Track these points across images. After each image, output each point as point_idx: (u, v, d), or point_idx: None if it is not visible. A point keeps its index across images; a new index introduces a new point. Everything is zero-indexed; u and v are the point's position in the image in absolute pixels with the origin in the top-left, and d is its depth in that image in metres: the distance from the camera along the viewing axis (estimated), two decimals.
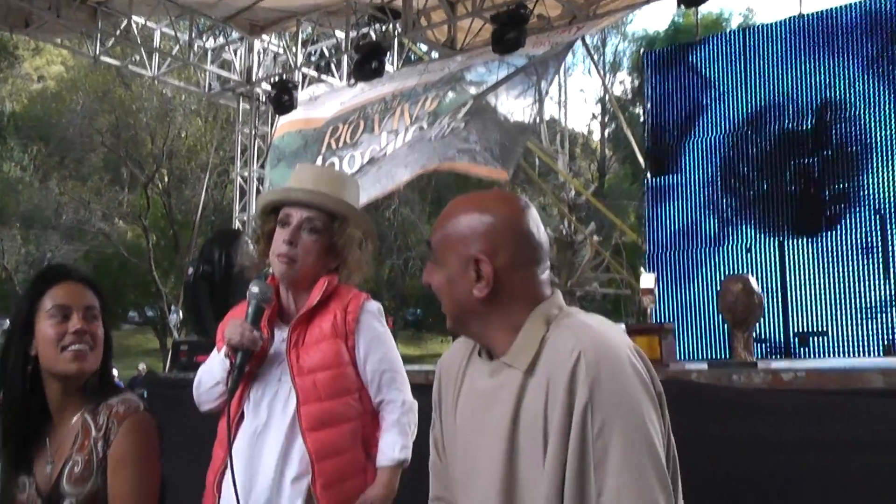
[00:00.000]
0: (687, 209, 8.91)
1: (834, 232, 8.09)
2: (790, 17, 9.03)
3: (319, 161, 10.97)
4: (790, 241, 8.20)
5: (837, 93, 8.50)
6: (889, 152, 8.23)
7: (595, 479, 1.38)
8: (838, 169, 8.35)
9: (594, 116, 34.84)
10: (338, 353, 2.34)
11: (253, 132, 12.74)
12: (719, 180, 8.86)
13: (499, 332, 1.57)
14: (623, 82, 32.99)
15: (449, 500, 1.77)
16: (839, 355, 7.51)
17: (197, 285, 6.09)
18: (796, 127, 8.59)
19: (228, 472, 2.23)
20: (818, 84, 8.59)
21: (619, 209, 27.82)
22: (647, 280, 3.81)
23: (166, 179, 30.49)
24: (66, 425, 1.97)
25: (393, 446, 2.34)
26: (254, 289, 2.33)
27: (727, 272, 8.16)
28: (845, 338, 7.64)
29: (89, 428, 1.94)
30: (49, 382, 1.96)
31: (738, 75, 8.96)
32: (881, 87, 8.45)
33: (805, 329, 7.65)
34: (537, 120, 13.19)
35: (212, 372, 2.40)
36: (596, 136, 35.38)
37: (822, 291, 7.86)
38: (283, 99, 11.25)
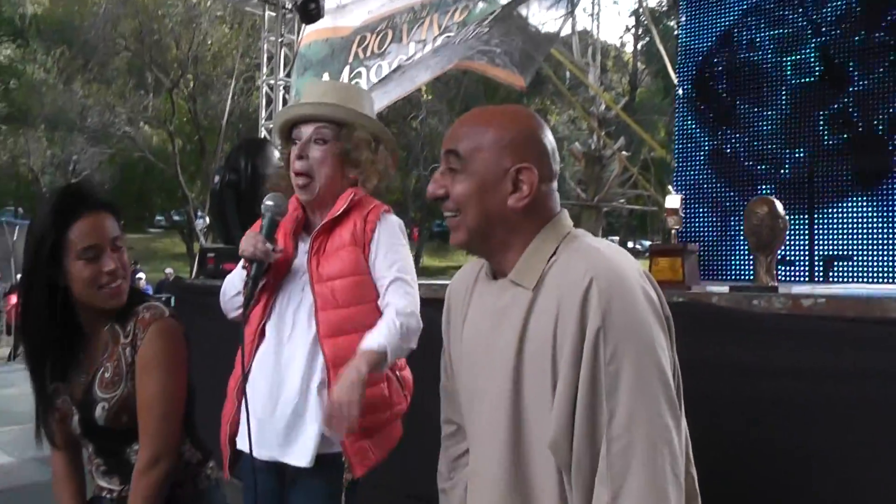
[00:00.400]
0: (717, 129, 8.66)
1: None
2: None
3: (346, 71, 10.87)
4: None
5: None
6: None
7: (607, 404, 1.40)
8: None
9: (628, 29, 34.15)
10: (356, 261, 2.35)
11: (279, 40, 12.55)
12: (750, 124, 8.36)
13: (515, 248, 1.57)
14: None
15: (459, 423, 1.80)
16: (864, 281, 7.37)
17: (223, 193, 6.10)
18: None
19: (250, 380, 2.29)
20: None
21: (650, 124, 27.45)
22: (673, 201, 3.73)
23: (191, 85, 30.40)
24: (97, 336, 2.02)
25: (376, 337, 2.22)
26: (268, 202, 2.36)
27: (758, 192, 7.98)
28: (871, 263, 7.46)
29: (118, 335, 1.99)
30: (81, 307, 1.99)
31: None
32: None
33: (832, 252, 7.49)
34: (569, 31, 12.96)
35: (233, 282, 2.47)
36: (629, 49, 34.72)
37: (851, 214, 7.63)
38: (309, 7, 11.04)
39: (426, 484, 1.97)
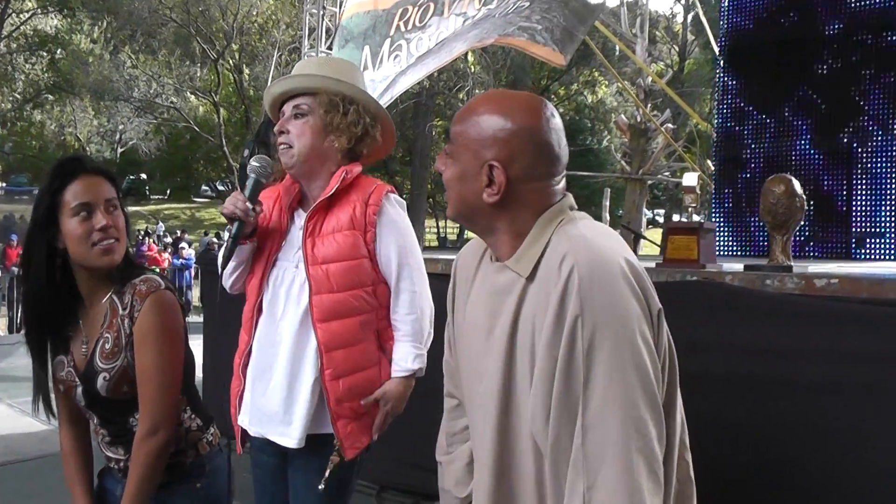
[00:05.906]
0: (758, 104, 8.43)
1: None
2: None
3: (387, 43, 10.82)
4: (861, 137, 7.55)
5: None
6: None
7: (582, 393, 1.39)
8: None
9: None
10: (354, 245, 2.33)
11: (321, 13, 12.56)
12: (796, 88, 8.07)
13: (503, 237, 1.57)
14: None
15: (460, 398, 1.81)
16: None
17: None
18: None
19: (252, 357, 2.33)
20: None
21: (697, 96, 27.02)
22: (690, 179, 3.68)
23: (237, 56, 30.58)
24: (97, 306, 2.06)
25: (406, 357, 2.38)
26: (254, 163, 2.37)
27: (796, 168, 7.81)
28: None
29: (116, 307, 2.03)
30: (78, 271, 2.04)
31: None
32: None
33: (867, 229, 7.30)
34: (617, 2, 12.72)
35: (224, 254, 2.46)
36: (680, 19, 34.11)
37: (890, 190, 7.39)
38: None
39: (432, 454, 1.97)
